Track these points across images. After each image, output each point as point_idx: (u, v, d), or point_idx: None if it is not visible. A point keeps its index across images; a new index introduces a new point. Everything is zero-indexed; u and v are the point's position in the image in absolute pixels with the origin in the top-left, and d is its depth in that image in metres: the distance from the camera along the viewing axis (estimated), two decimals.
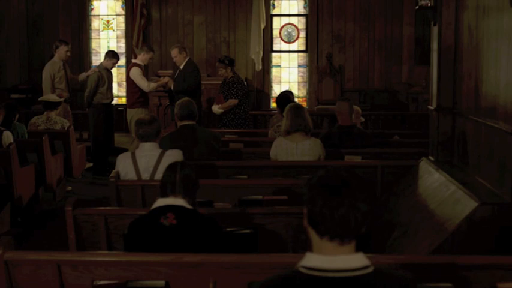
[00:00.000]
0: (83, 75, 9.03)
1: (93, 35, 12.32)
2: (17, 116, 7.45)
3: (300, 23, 12.17)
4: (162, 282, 2.86)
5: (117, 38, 12.32)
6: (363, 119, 7.39)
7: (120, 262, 2.97)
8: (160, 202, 3.26)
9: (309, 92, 12.18)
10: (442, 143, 5.14)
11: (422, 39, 11.19)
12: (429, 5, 5.13)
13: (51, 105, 7.77)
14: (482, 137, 4.44)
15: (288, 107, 5.67)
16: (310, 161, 5.42)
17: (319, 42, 11.98)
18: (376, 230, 4.65)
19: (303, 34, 12.15)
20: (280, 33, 12.16)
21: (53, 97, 7.97)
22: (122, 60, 11.75)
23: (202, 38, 12.05)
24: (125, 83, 10.10)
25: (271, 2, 12.12)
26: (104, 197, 6.39)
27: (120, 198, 4.66)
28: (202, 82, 8.84)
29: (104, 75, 8.71)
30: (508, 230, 3.82)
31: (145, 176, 4.65)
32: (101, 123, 8.76)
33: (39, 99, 8.18)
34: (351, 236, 1.90)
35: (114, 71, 9.73)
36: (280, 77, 12.32)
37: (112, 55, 8.87)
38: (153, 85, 8.53)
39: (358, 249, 1.93)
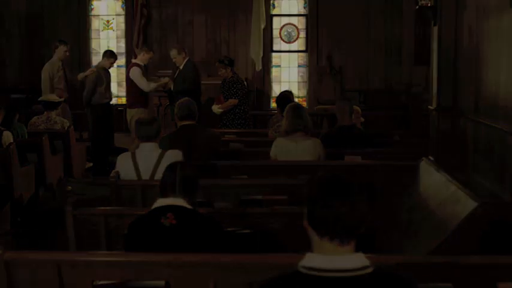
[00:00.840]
0: (81, 75, 9.03)
1: (93, 35, 12.31)
2: (17, 116, 7.44)
3: (300, 23, 12.17)
4: (162, 282, 2.86)
5: (117, 38, 12.31)
6: (363, 119, 7.38)
7: (120, 262, 2.97)
8: (160, 202, 3.26)
9: (309, 92, 12.17)
10: (442, 143, 5.14)
11: (423, 39, 11.18)
12: (429, 5, 5.13)
13: (51, 105, 7.77)
14: (482, 137, 4.43)
15: (287, 107, 5.66)
16: (310, 161, 5.42)
17: (319, 42, 11.98)
18: (376, 230, 4.64)
19: (303, 34, 12.15)
20: (280, 33, 12.15)
21: (52, 97, 7.97)
22: (122, 60, 11.76)
23: (202, 38, 12.04)
24: (124, 83, 10.09)
25: (271, 2, 12.11)
26: (104, 197, 6.38)
27: (120, 198, 4.65)
28: (202, 82, 8.83)
29: (102, 75, 8.71)
30: (508, 229, 3.82)
31: (145, 176, 4.65)
32: (101, 123, 8.76)
33: (39, 99, 8.18)
34: (350, 236, 1.90)
35: (114, 70, 9.75)
36: (280, 77, 12.31)
37: (110, 55, 8.87)
38: (153, 85, 8.53)
39: (358, 249, 1.93)
